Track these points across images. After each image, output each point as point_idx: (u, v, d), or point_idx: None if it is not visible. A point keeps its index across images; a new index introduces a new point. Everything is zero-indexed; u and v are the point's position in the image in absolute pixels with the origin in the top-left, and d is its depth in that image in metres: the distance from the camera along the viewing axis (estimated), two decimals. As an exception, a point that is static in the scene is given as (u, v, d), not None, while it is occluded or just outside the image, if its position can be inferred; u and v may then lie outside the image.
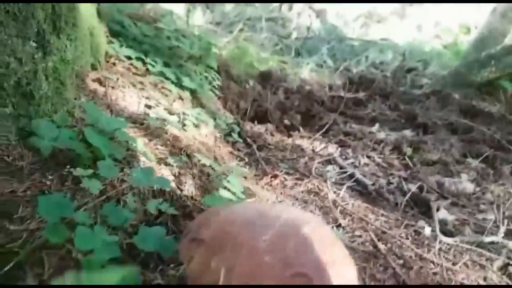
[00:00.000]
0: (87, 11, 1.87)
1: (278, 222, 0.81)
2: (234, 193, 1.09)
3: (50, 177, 1.14)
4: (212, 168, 1.34)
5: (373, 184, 1.91)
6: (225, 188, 1.07)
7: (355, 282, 0.79)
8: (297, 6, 10.15)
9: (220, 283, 0.73)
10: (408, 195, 1.91)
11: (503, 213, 2.01)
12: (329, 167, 2.13)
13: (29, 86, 1.21)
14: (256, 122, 2.85)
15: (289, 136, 2.73)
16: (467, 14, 10.25)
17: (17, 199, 1.07)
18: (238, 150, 2.27)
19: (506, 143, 2.92)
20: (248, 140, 2.40)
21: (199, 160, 1.62)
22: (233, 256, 0.76)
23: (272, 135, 2.68)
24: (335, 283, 0.74)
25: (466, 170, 2.43)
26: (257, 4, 10.59)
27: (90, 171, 0.99)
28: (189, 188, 1.45)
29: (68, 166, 1.15)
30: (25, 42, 1.19)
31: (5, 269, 0.88)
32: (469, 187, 2.16)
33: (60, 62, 1.37)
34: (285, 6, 10.03)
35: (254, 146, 2.30)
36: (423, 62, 6.21)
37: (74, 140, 1.16)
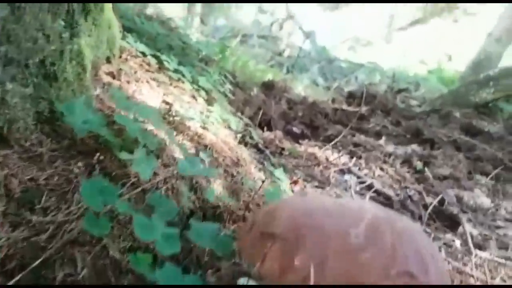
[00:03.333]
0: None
1: (366, 215, 0.71)
2: (283, 190, 0.99)
3: (75, 166, 1.01)
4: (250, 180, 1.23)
5: (397, 195, 1.84)
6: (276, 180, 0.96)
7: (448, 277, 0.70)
8: (287, 26, 10.30)
9: (312, 282, 0.61)
10: (431, 207, 1.85)
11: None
12: (347, 176, 2.05)
13: (53, 66, 1.09)
14: (264, 129, 2.76)
15: (299, 144, 2.65)
16: (448, 45, 10.76)
17: (38, 188, 0.93)
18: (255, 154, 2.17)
19: (509, 162, 2.95)
20: (260, 146, 2.31)
21: (223, 159, 1.51)
22: (321, 251, 0.65)
23: (281, 142, 2.60)
24: (437, 280, 0.64)
25: (477, 186, 2.40)
26: (247, 22, 10.69)
27: (136, 155, 0.87)
28: (218, 187, 1.33)
29: (98, 154, 1.02)
30: (54, 19, 1.07)
31: (32, 265, 0.74)
32: (486, 202, 2.13)
33: (85, 47, 1.26)
34: (275, 25, 10.18)
35: (267, 152, 2.20)
36: (414, 84, 6.34)
37: (104, 127, 1.04)
